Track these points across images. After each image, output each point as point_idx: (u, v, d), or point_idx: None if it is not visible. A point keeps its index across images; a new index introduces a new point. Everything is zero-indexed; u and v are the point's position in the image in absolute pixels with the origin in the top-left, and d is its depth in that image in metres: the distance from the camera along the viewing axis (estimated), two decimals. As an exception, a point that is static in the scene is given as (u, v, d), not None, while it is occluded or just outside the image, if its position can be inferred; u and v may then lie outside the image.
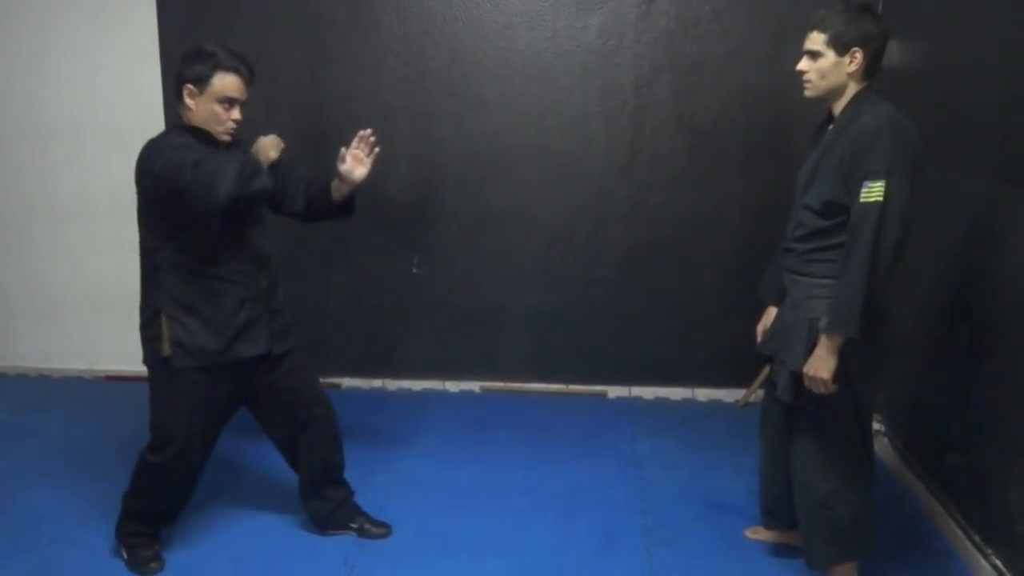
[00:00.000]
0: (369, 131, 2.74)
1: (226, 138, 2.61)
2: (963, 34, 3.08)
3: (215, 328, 2.63)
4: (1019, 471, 2.53)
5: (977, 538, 2.77)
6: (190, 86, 2.55)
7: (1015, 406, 2.55)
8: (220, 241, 2.61)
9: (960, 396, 2.93)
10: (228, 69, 2.54)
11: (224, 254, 2.63)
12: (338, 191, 2.82)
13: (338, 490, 3.04)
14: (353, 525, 3.05)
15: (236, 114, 2.59)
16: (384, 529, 3.07)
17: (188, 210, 2.46)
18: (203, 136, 2.59)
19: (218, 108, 2.56)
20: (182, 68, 2.56)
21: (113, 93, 4.33)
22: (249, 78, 2.60)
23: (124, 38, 4.27)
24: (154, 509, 2.87)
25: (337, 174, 2.75)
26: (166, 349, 2.61)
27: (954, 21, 3.14)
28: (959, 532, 2.88)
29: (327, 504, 3.02)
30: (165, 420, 2.73)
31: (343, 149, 2.73)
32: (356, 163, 2.74)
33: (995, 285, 2.72)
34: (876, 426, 3.61)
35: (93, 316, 4.62)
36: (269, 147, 2.57)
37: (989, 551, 2.69)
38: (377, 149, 2.76)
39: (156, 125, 4.26)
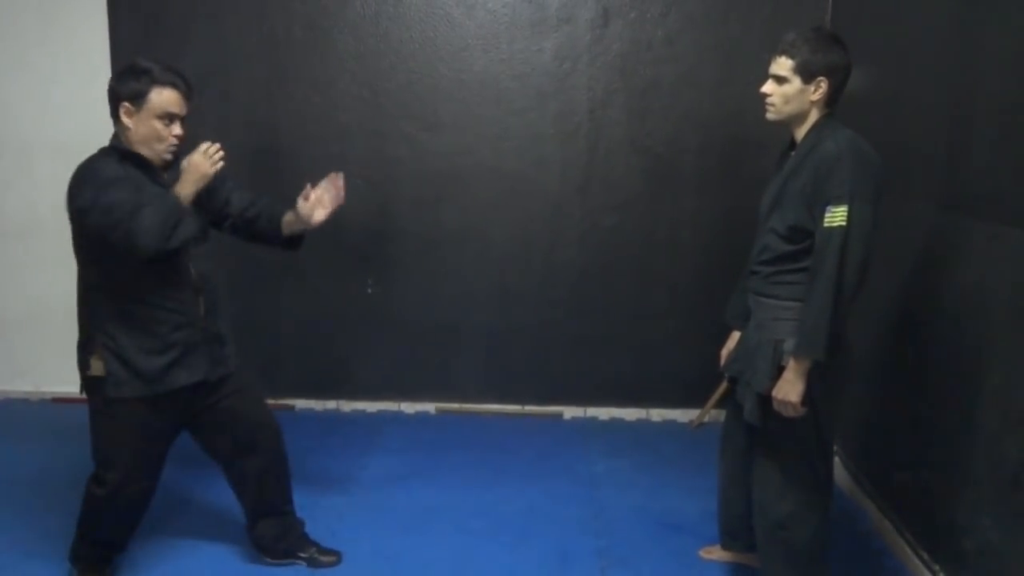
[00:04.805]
0: (340, 175, 2.67)
1: (167, 157, 2.52)
2: (908, 61, 3.15)
3: (149, 354, 2.53)
4: (965, 489, 2.57)
5: (925, 555, 2.81)
6: (127, 104, 2.44)
7: (960, 426, 2.60)
8: (152, 270, 2.48)
9: (909, 417, 2.98)
10: (164, 83, 2.44)
11: (157, 281, 2.52)
12: (289, 226, 2.74)
13: (285, 518, 2.96)
14: (303, 555, 2.97)
15: (177, 129, 2.49)
16: (334, 557, 3.00)
17: (114, 251, 2.39)
18: (138, 160, 2.48)
19: (158, 124, 2.45)
20: (116, 85, 2.46)
21: (64, 110, 4.26)
22: (187, 92, 2.50)
23: (75, 54, 4.21)
24: (102, 537, 2.80)
25: (296, 210, 2.66)
26: (98, 369, 2.54)
27: (899, 48, 3.22)
28: (908, 550, 2.92)
29: (273, 533, 2.93)
30: (105, 451, 2.66)
31: (308, 187, 2.65)
32: (318, 205, 2.64)
33: (941, 308, 2.77)
34: (827, 445, 3.66)
35: (39, 336, 4.51)
36: (200, 167, 2.45)
37: (937, 568, 2.73)
38: (342, 195, 2.67)
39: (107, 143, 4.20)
